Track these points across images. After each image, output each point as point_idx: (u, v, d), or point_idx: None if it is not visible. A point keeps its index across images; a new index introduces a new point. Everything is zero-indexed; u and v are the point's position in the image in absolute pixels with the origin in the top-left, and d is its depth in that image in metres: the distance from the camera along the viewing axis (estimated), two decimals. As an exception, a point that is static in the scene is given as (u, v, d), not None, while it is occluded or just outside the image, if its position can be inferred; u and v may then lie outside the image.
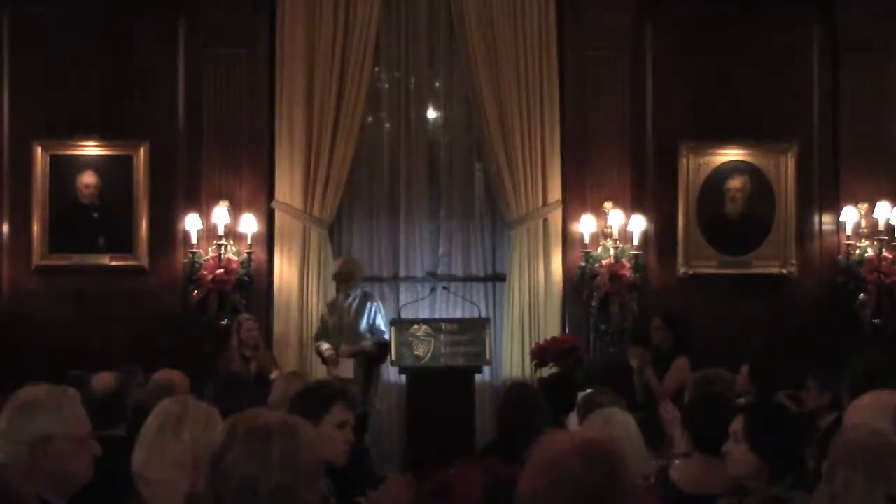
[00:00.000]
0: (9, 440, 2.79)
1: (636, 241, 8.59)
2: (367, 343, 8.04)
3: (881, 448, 2.75)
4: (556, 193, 8.75)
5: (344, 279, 8.17)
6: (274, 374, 7.32)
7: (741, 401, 6.45)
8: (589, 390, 5.00)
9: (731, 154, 8.84)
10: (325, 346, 8.09)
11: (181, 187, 8.69)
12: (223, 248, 8.39)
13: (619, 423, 3.88)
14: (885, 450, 2.75)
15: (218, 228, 8.44)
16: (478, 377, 8.15)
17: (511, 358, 8.62)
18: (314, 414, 3.41)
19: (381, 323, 8.16)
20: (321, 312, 8.42)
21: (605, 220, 8.59)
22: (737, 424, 3.53)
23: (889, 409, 3.40)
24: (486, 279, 9.13)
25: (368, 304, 8.19)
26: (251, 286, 8.50)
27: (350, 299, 8.16)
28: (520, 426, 4.67)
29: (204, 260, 8.38)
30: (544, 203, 8.72)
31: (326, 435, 3.45)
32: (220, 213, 8.46)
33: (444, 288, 8.87)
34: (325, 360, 8.08)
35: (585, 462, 2.07)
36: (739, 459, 3.47)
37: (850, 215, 8.68)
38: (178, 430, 2.86)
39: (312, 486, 2.32)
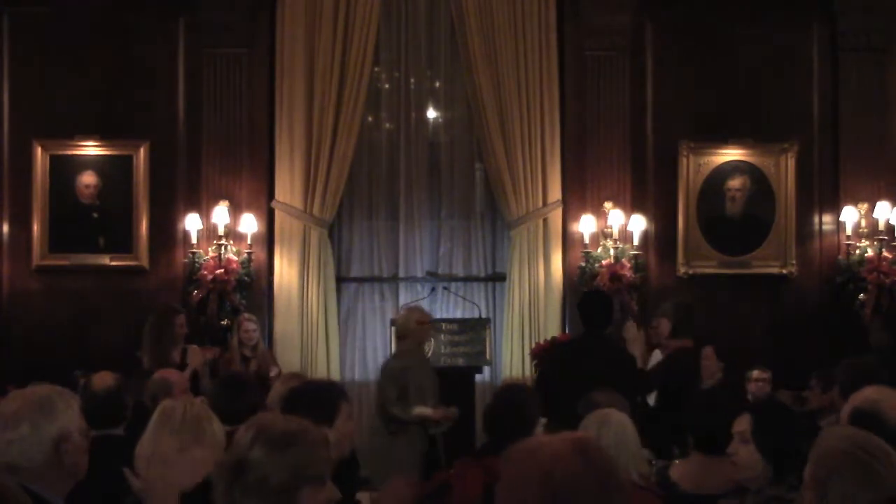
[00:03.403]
0: (34, 442, 2.81)
1: (636, 241, 8.59)
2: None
3: (865, 451, 2.72)
4: (556, 193, 8.75)
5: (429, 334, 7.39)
6: (273, 373, 7.35)
7: (710, 383, 6.50)
8: None
9: (731, 154, 8.83)
10: (426, 410, 6.87)
11: (181, 187, 8.69)
12: (223, 248, 8.40)
13: (615, 424, 3.87)
14: (868, 453, 2.71)
15: (218, 228, 8.44)
16: (478, 377, 8.16)
17: (511, 358, 8.61)
18: (329, 415, 3.42)
19: None
20: (394, 380, 6.94)
21: (605, 220, 8.58)
22: (742, 424, 3.51)
23: None
24: (486, 279, 9.13)
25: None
26: (251, 286, 8.50)
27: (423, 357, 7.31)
28: (511, 427, 4.66)
29: (204, 260, 8.38)
30: (544, 203, 8.72)
31: (342, 432, 3.47)
32: (220, 213, 8.46)
33: (445, 288, 8.88)
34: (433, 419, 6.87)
35: (583, 460, 2.06)
36: (746, 460, 3.45)
37: (850, 215, 8.67)
38: (177, 429, 2.87)
39: (324, 486, 2.38)
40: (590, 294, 7.29)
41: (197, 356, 7.18)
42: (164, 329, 7.29)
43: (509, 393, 5.09)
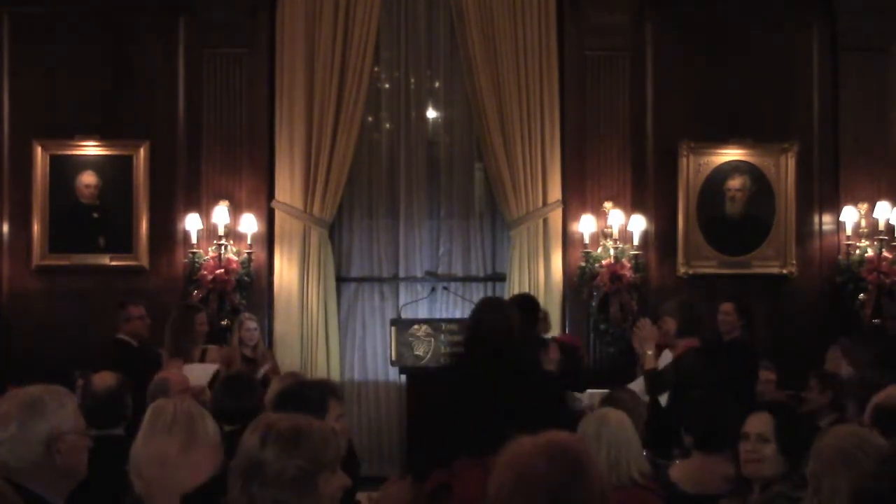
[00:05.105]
0: (23, 442, 2.81)
1: (636, 241, 8.59)
2: None
3: (859, 448, 2.72)
4: (556, 193, 8.75)
5: None
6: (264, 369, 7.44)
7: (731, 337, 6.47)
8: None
9: (731, 154, 8.83)
10: None
11: (181, 187, 8.69)
12: (223, 248, 8.40)
13: (613, 423, 3.86)
14: (862, 450, 2.72)
15: (218, 228, 8.44)
16: (478, 377, 8.13)
17: (511, 358, 8.59)
18: (317, 414, 3.41)
19: None
20: None
21: (605, 220, 8.58)
22: (760, 425, 3.52)
23: None
24: (486, 279, 9.13)
25: None
26: (251, 286, 8.50)
27: None
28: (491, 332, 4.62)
29: (204, 260, 8.38)
30: (544, 203, 8.72)
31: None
32: (220, 213, 8.46)
33: (445, 288, 8.87)
34: None
35: (550, 461, 2.08)
36: (770, 458, 3.46)
37: (850, 215, 8.67)
38: (172, 428, 2.87)
39: (336, 473, 2.47)
40: (515, 299, 6.97)
41: (216, 356, 7.17)
42: (186, 327, 7.22)
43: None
